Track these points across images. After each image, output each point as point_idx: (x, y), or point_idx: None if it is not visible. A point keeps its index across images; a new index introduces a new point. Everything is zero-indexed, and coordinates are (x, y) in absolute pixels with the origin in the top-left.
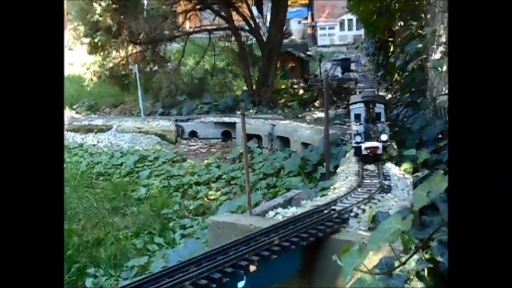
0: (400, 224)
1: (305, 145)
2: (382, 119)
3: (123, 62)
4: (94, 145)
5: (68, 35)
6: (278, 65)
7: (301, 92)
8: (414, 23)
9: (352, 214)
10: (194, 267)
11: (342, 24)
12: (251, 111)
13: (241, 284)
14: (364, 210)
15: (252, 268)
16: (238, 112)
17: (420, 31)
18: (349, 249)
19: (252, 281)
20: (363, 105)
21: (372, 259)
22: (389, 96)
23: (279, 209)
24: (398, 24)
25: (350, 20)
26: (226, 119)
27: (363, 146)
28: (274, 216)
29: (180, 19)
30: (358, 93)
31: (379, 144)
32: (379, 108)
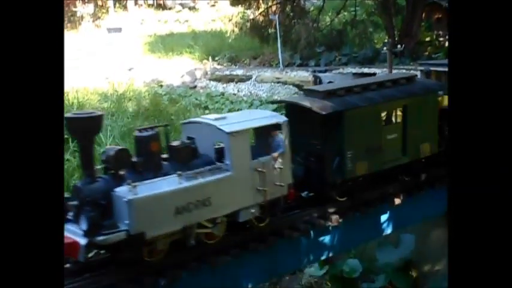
0: None
1: None
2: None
3: (264, 13)
4: (234, 94)
5: None
6: (423, 16)
7: (447, 44)
8: None
9: None
10: None
11: None
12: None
13: (384, 216)
14: None
15: (397, 201)
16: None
17: None
18: None
19: (396, 214)
20: None
21: None
22: None
23: None
24: None
25: None
26: (366, 70)
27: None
28: None
29: None
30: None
31: (79, 239)
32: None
